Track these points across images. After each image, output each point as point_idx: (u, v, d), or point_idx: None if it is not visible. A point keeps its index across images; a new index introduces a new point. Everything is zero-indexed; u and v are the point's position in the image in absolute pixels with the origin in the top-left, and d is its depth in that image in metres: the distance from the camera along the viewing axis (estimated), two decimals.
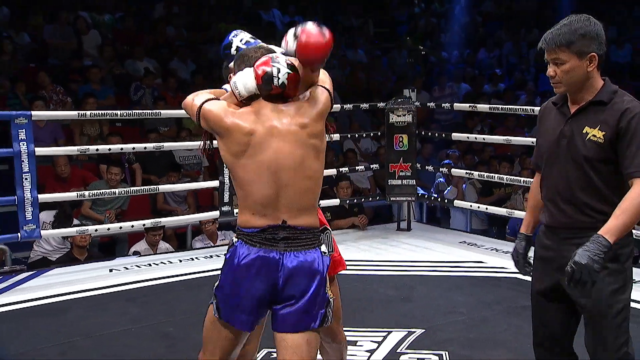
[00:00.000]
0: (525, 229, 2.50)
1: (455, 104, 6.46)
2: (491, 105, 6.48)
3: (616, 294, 2.21)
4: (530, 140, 6.63)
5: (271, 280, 2.11)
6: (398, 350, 3.43)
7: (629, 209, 2.11)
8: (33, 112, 4.78)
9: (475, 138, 6.61)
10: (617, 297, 2.21)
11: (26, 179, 4.51)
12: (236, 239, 2.15)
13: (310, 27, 2.11)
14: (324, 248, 2.19)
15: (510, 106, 6.59)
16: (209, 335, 2.23)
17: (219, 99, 2.19)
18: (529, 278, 4.89)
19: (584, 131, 2.23)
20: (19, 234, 4.60)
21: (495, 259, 5.15)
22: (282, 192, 2.12)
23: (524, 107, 6.39)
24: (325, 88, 2.22)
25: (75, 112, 5.67)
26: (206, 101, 2.16)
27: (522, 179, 5.98)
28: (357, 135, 7.45)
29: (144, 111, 5.99)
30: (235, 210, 5.35)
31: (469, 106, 6.33)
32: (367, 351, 3.42)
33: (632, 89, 10.78)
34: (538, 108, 5.93)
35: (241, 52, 2.29)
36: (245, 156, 2.11)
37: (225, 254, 2.19)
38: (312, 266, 2.12)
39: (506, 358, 3.37)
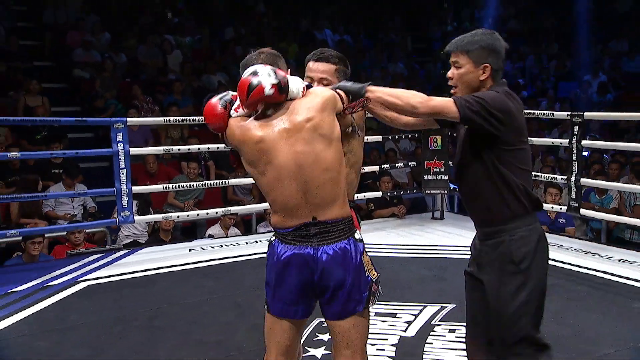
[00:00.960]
0: None
1: None
2: None
3: (514, 295, 2.05)
4: (549, 141, 6.44)
5: (308, 274, 1.94)
6: (432, 322, 3.40)
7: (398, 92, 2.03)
8: (128, 119, 4.89)
9: None
10: (515, 298, 2.05)
11: (122, 173, 4.62)
12: (273, 238, 2.01)
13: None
14: (357, 235, 1.99)
15: (533, 110, 6.41)
16: (267, 334, 2.07)
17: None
18: (551, 262, 4.77)
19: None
20: (117, 219, 4.73)
21: None
22: (306, 190, 1.91)
23: (545, 111, 6.20)
24: (329, 90, 2.02)
25: (162, 118, 5.79)
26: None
27: (543, 174, 5.81)
28: (397, 137, 7.37)
29: None
30: None
31: None
32: (405, 322, 3.40)
33: None
34: (558, 113, 5.77)
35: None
36: (262, 163, 1.92)
37: (266, 252, 2.06)
38: (346, 257, 1.94)
39: None
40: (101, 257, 4.71)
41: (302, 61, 9.46)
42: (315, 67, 2.24)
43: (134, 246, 5.32)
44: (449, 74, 2.15)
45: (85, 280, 4.18)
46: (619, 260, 4.49)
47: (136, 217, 4.91)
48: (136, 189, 4.86)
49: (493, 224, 2.08)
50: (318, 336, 3.20)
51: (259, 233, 5.85)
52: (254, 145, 1.92)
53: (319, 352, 3.05)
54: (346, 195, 1.99)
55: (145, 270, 4.42)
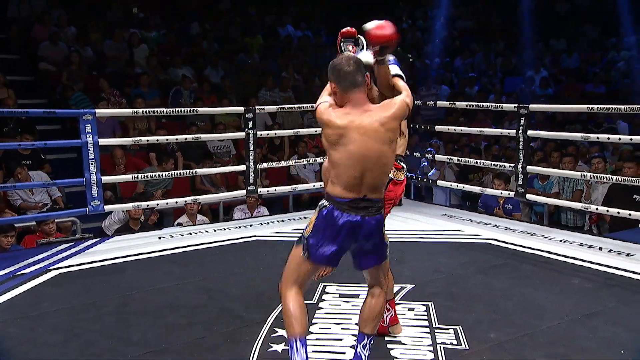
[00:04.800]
0: None
1: (438, 102, 6.41)
2: (467, 103, 6.42)
3: None
4: (499, 131, 6.59)
5: (353, 237, 2.38)
6: None
7: None
8: (97, 110, 4.75)
9: (454, 130, 6.56)
10: None
11: (92, 164, 4.49)
12: (327, 203, 2.38)
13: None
14: (382, 210, 2.45)
15: (483, 103, 6.55)
16: (294, 268, 2.45)
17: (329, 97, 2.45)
18: (497, 243, 4.90)
19: None
20: (87, 209, 4.60)
21: (470, 227, 5.13)
22: (364, 175, 2.33)
23: (494, 104, 6.33)
24: (404, 100, 2.42)
25: (130, 110, 5.65)
26: (321, 103, 2.42)
27: (493, 162, 5.95)
28: None
29: (184, 109, 5.97)
30: (259, 189, 5.37)
31: (449, 103, 6.29)
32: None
33: (580, 90, 10.74)
34: (506, 105, 5.92)
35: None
36: (338, 144, 2.31)
37: (321, 211, 2.39)
38: (379, 226, 2.43)
39: (480, 308, 3.38)
40: (71, 246, 4.57)
41: (265, 54, 9.41)
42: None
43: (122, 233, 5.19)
44: None
45: (55, 269, 4.05)
46: (560, 241, 4.65)
47: (106, 207, 4.78)
48: (106, 178, 4.74)
49: None
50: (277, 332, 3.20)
51: (227, 220, 5.79)
52: (336, 129, 2.32)
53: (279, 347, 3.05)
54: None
55: (116, 258, 4.31)
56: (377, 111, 2.36)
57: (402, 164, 2.87)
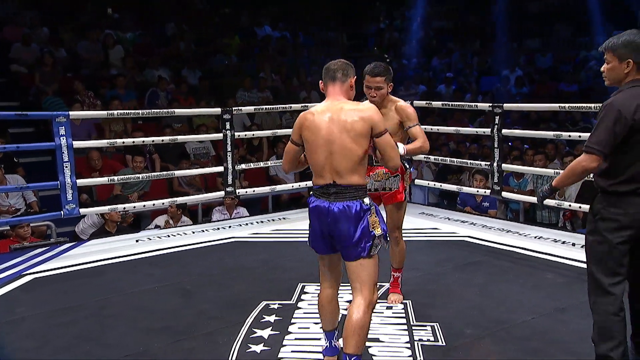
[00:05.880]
0: None
1: (414, 102, 6.45)
2: (443, 103, 6.49)
3: None
4: (474, 130, 6.68)
5: (324, 222, 2.45)
6: None
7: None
8: (71, 112, 4.68)
9: (431, 129, 6.62)
10: None
11: (66, 167, 4.43)
12: (311, 192, 2.54)
13: None
14: (366, 200, 2.45)
15: (459, 103, 6.62)
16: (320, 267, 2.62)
17: None
18: (474, 240, 4.96)
19: None
20: (61, 212, 4.53)
21: (448, 225, 5.19)
22: (329, 160, 2.43)
23: (469, 103, 6.40)
24: (383, 122, 2.51)
25: (105, 112, 5.59)
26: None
27: (469, 161, 6.02)
28: None
29: (161, 110, 5.92)
30: (238, 190, 5.36)
31: (426, 103, 6.34)
32: (346, 301, 3.43)
33: (554, 89, 10.93)
34: (481, 104, 6.00)
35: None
36: (311, 134, 2.45)
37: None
38: (346, 213, 2.41)
39: (457, 305, 3.42)
40: (46, 251, 4.51)
41: (243, 55, 9.36)
42: (372, 80, 3.15)
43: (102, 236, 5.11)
44: (601, 68, 2.36)
45: (30, 274, 4.00)
46: (535, 237, 4.74)
47: (82, 210, 4.73)
48: (81, 181, 4.67)
49: None
50: (256, 332, 3.21)
51: (205, 222, 5.77)
52: (310, 122, 2.47)
53: (265, 332, 3.06)
54: (361, 172, 2.47)
55: (93, 262, 4.27)
56: (351, 107, 2.46)
57: (406, 165, 3.22)
